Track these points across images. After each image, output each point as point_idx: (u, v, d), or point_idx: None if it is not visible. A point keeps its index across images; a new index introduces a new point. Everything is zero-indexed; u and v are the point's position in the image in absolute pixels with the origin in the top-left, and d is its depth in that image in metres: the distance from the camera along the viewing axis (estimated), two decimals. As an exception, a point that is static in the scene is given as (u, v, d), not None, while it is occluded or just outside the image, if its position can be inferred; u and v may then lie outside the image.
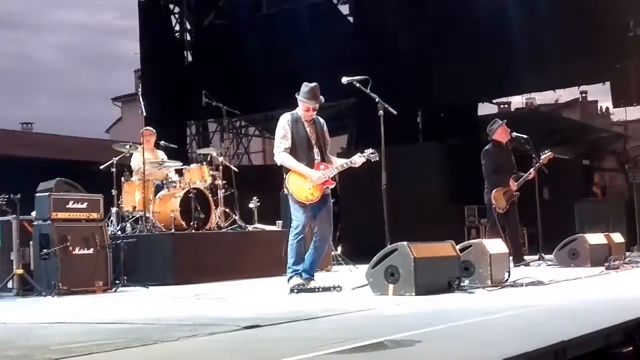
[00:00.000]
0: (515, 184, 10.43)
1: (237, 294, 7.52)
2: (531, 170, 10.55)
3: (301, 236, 7.39)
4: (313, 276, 7.50)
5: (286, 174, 7.46)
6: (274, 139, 7.89)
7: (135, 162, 10.68)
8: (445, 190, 16.08)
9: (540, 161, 10.59)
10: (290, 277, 7.40)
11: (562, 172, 15.72)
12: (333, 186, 7.69)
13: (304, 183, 7.39)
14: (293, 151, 7.46)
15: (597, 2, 14.73)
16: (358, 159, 7.62)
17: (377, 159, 7.63)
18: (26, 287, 8.08)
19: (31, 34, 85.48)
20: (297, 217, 7.42)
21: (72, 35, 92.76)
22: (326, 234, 7.62)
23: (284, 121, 7.54)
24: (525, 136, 10.70)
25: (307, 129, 7.56)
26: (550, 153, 10.73)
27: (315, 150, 7.56)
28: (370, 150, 7.63)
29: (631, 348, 4.27)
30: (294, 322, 4.99)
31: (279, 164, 7.54)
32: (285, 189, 7.52)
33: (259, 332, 4.57)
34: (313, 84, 7.59)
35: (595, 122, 30.90)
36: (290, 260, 7.43)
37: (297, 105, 7.65)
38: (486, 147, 10.65)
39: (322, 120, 7.78)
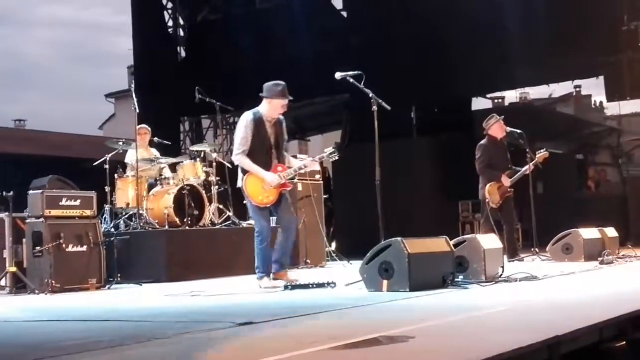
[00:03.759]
0: (509, 180, 10.45)
1: (231, 290, 7.51)
2: (525, 167, 10.58)
3: (266, 241, 7.47)
4: (285, 268, 7.61)
5: (244, 174, 7.50)
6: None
7: (130, 159, 10.66)
8: (439, 186, 16.08)
9: (535, 159, 10.63)
10: (260, 278, 7.48)
11: (556, 167, 15.72)
12: (289, 189, 7.76)
13: (261, 187, 7.45)
14: (251, 152, 7.49)
15: (591, -4, 14.76)
16: (310, 163, 7.91)
17: (337, 157, 7.78)
18: (19, 285, 8.07)
19: (22, 30, 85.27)
20: (259, 222, 7.51)
21: (64, 31, 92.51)
22: (289, 224, 7.67)
23: (246, 121, 7.53)
24: (519, 131, 10.72)
25: (268, 130, 7.58)
26: (545, 152, 10.77)
27: (273, 151, 7.61)
28: (329, 150, 7.78)
29: (624, 342, 4.28)
30: (288, 318, 4.99)
31: (235, 164, 7.62)
32: (243, 192, 7.55)
33: (253, 329, 4.57)
34: (282, 82, 7.62)
35: (589, 116, 30.94)
36: (258, 263, 7.50)
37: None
38: (481, 142, 10.67)
39: (281, 117, 7.76)
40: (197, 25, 19.98)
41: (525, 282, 7.07)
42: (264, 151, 7.56)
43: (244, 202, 7.75)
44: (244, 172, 7.51)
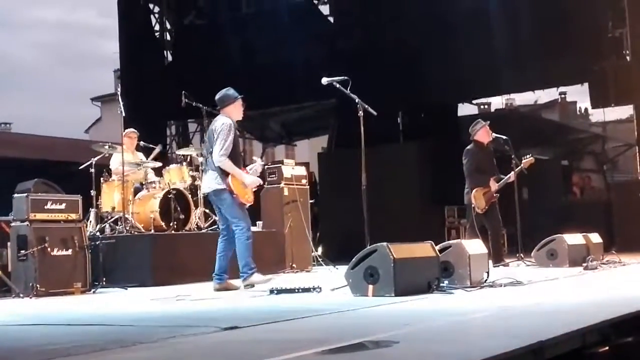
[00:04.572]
0: (497, 184, 10.49)
1: (217, 295, 7.51)
2: (511, 173, 10.61)
3: (251, 233, 7.82)
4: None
5: (226, 176, 7.69)
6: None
7: (115, 163, 10.62)
8: (426, 191, 16.13)
9: (522, 165, 10.66)
10: (251, 275, 7.68)
11: (541, 173, 15.81)
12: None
13: (244, 186, 7.80)
14: (231, 155, 7.76)
15: (576, 3, 14.84)
16: (259, 167, 8.39)
17: (262, 163, 8.57)
18: (4, 289, 8.03)
19: (8, 34, 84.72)
20: (244, 217, 7.84)
21: (50, 34, 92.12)
22: None
23: (229, 126, 7.79)
24: (504, 137, 10.76)
25: (237, 134, 8.01)
26: (531, 158, 10.81)
27: (241, 155, 8.12)
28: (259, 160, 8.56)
29: (607, 348, 4.30)
30: (273, 323, 4.98)
31: (217, 165, 7.72)
32: (228, 191, 7.73)
33: (238, 333, 4.56)
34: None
35: (574, 122, 31.15)
36: (248, 260, 7.71)
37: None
38: (467, 147, 10.71)
39: None
40: (184, 30, 19.97)
41: (510, 287, 7.09)
42: (238, 154, 8.01)
43: (223, 201, 7.83)
44: (226, 174, 7.69)
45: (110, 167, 10.74)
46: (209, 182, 7.82)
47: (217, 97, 8.01)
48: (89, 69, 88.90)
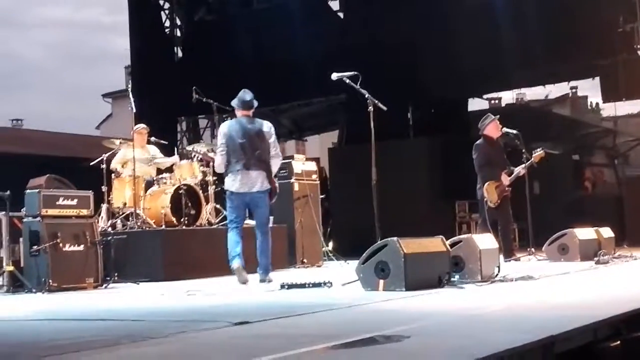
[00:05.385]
0: (508, 178, 10.47)
1: (228, 290, 7.53)
2: (521, 167, 10.59)
3: None
4: None
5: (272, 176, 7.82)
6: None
7: (114, 162, 10.63)
8: (436, 186, 16.11)
9: (532, 159, 10.63)
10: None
11: (553, 167, 15.76)
12: None
13: None
14: None
15: (587, -3, 14.81)
16: None
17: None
18: (16, 284, 8.07)
19: (18, 32, 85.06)
20: None
21: (60, 31, 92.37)
22: None
23: None
24: (515, 131, 10.73)
25: None
26: (542, 151, 10.77)
27: None
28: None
29: (618, 342, 4.29)
30: (284, 318, 5.00)
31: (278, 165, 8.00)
32: (274, 192, 7.89)
33: (249, 328, 4.58)
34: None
35: (585, 117, 31.00)
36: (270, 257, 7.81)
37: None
38: (477, 142, 10.68)
39: None
40: (194, 25, 19.98)
41: (521, 282, 7.08)
42: None
43: (266, 199, 7.94)
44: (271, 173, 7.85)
45: (112, 165, 10.73)
46: (262, 180, 7.76)
47: (248, 98, 7.86)
48: (100, 66, 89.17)
